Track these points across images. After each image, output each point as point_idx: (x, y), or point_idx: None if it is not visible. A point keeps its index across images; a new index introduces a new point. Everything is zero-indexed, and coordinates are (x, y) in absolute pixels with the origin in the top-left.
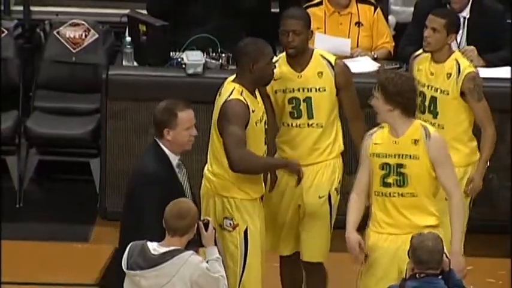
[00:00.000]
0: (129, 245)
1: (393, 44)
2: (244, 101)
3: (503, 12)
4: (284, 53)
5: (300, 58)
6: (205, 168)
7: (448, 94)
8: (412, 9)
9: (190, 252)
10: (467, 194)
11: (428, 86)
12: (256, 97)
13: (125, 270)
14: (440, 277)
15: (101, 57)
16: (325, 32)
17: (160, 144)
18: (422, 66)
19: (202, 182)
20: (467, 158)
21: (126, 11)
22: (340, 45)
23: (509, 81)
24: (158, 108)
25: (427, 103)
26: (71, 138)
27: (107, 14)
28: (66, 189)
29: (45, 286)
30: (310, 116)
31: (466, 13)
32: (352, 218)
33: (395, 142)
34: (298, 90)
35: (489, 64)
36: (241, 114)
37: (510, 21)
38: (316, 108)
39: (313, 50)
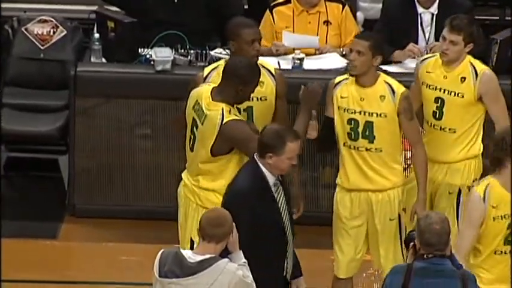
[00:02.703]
0: (161, 253)
1: None
2: (238, 116)
3: (471, 8)
4: (223, 60)
5: None
6: (186, 178)
7: (386, 116)
8: (380, 5)
9: (227, 260)
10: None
11: (360, 112)
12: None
13: (157, 278)
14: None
15: (69, 53)
16: (293, 31)
17: (259, 163)
18: (348, 93)
19: (180, 189)
20: (403, 177)
21: (95, 8)
22: (308, 41)
23: None
24: (268, 131)
25: (360, 129)
26: (39, 135)
27: (75, 11)
28: (35, 186)
29: (13, 283)
30: None
31: (434, 9)
32: None
33: None
34: None
35: None
36: (248, 129)
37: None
38: (258, 118)
39: None
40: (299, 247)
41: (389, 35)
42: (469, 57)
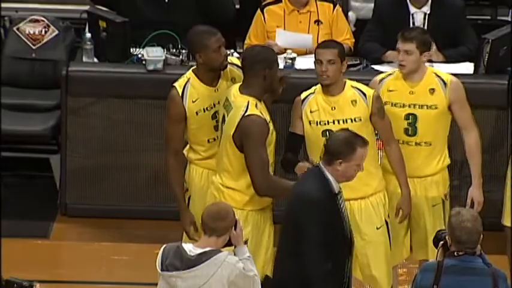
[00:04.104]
0: (163, 247)
1: (353, 40)
2: (262, 115)
3: (463, 8)
4: (191, 72)
5: (213, 72)
6: (214, 176)
7: (360, 120)
8: (372, 5)
9: (227, 252)
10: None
11: (334, 121)
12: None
13: (159, 271)
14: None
15: (61, 53)
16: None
17: (325, 171)
18: (317, 106)
19: (209, 188)
20: (383, 180)
21: (86, 7)
22: (302, 40)
23: (468, 77)
24: (337, 138)
25: None
26: (31, 134)
27: (67, 10)
28: (26, 185)
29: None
30: None
31: (426, 8)
32: None
33: None
34: (218, 103)
35: (448, 59)
36: (263, 134)
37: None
38: None
39: None
40: None
41: (381, 34)
42: (431, 68)
